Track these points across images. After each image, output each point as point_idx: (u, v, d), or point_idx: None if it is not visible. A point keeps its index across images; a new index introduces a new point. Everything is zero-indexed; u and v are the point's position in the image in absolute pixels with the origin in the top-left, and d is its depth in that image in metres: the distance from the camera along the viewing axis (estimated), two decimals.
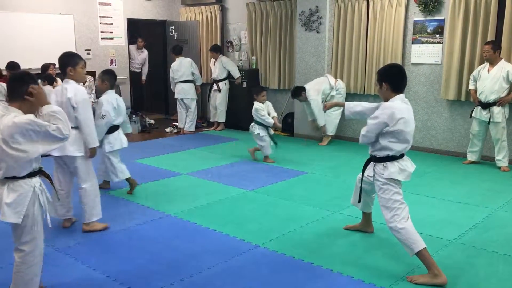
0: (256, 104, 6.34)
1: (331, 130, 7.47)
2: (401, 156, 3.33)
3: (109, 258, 3.50)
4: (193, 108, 8.55)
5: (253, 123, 6.42)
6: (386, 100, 3.31)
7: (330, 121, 7.41)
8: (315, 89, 7.21)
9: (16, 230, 2.78)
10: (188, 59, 8.52)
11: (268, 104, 6.48)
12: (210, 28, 9.60)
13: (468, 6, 6.32)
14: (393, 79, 3.30)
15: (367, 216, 3.96)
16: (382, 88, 3.31)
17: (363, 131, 3.33)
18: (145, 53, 10.08)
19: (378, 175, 3.32)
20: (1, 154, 2.62)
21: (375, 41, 7.25)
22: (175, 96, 8.60)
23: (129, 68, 9.79)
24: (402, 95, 3.30)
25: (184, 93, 8.48)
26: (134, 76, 9.96)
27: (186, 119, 8.62)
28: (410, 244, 3.17)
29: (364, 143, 3.38)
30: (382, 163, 3.31)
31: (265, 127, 6.32)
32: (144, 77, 10.13)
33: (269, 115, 6.35)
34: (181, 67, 8.44)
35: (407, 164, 3.33)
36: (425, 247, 3.16)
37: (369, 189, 3.66)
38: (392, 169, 3.27)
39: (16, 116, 2.61)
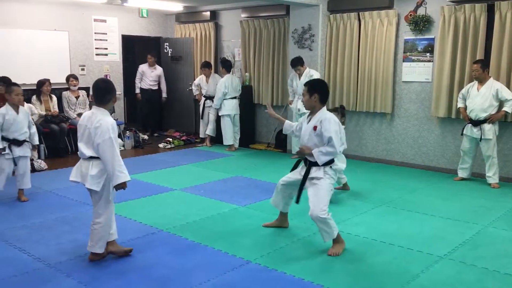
0: None
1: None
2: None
3: (100, 274, 3.49)
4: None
5: None
6: (312, 108, 3.91)
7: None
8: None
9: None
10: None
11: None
12: (204, 45, 9.70)
13: (457, 26, 6.44)
14: (323, 92, 3.89)
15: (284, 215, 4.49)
16: (311, 98, 3.85)
17: (334, 148, 3.78)
18: (158, 69, 9.80)
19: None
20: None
21: (366, 59, 7.35)
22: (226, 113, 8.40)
23: (120, 85, 9.78)
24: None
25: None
26: (149, 94, 9.79)
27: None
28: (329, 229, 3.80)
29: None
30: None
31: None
32: (164, 94, 9.94)
33: None
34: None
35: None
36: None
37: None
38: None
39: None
